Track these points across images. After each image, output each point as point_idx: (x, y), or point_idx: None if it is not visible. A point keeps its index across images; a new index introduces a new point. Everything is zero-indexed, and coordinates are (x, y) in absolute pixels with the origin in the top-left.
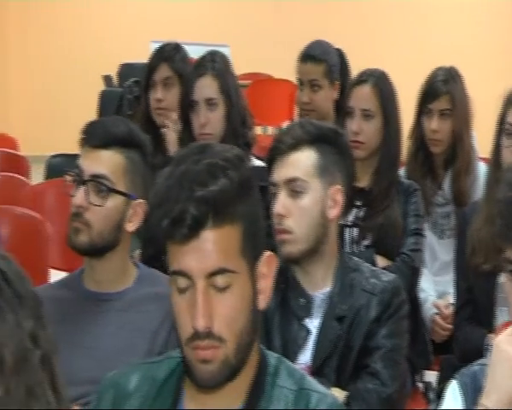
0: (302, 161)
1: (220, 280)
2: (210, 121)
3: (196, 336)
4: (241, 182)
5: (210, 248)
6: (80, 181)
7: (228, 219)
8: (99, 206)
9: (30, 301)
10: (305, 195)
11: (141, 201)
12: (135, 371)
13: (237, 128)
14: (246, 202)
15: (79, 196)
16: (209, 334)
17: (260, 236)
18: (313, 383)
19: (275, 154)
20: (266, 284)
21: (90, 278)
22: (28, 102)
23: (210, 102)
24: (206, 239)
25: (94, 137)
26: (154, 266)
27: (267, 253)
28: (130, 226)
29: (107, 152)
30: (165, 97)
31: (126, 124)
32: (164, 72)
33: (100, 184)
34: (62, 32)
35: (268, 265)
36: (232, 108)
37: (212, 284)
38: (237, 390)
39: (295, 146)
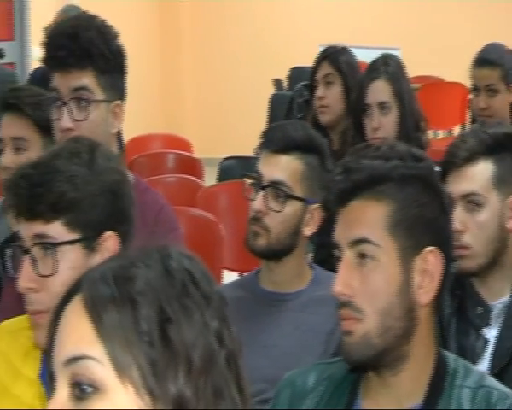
0: (478, 175)
1: (363, 249)
2: (383, 125)
3: (339, 305)
4: (406, 173)
5: (354, 217)
6: (259, 186)
7: (375, 195)
8: (277, 211)
9: (216, 301)
10: (483, 209)
11: (318, 205)
12: (312, 371)
13: (410, 132)
14: (405, 190)
15: (258, 202)
16: (348, 303)
17: (422, 229)
18: (493, 381)
19: (449, 167)
20: (428, 281)
21: (266, 278)
22: (201, 106)
23: (383, 106)
24: (352, 209)
25: (273, 142)
26: (326, 269)
27: (429, 249)
28: (308, 230)
29: (286, 157)
30: (325, 95)
31: (305, 128)
32: (324, 69)
33: (278, 190)
34: (233, 36)
35: (430, 263)
36: (405, 112)
37: (357, 255)
38: (414, 390)
39: (470, 159)
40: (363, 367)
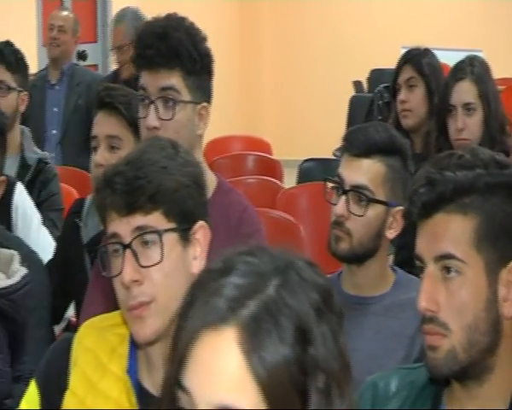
0: None
1: (448, 264)
2: (467, 126)
3: (423, 320)
4: (490, 182)
5: (439, 231)
6: (341, 190)
7: (459, 208)
8: (360, 216)
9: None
10: None
11: (400, 208)
12: (394, 375)
13: (495, 134)
14: (490, 201)
15: (340, 206)
16: (434, 319)
17: (507, 239)
18: None
19: None
20: None
21: (349, 282)
22: (281, 107)
23: (468, 107)
24: (436, 222)
25: (355, 145)
26: (406, 271)
27: None
28: (391, 233)
29: (367, 161)
30: (408, 99)
31: (387, 130)
32: (407, 73)
33: (360, 195)
34: (313, 38)
35: None
36: (490, 114)
37: (441, 269)
38: (499, 400)
39: None
40: (448, 380)
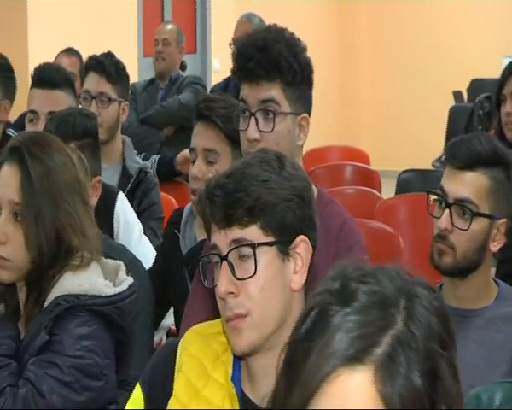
0: None
1: None
2: None
3: None
4: None
5: None
6: (444, 204)
7: None
8: (464, 230)
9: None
10: None
11: (504, 220)
12: (498, 389)
13: None
14: None
15: (444, 220)
16: None
17: None
18: None
19: None
20: None
21: (451, 294)
22: (378, 118)
23: None
24: None
25: (458, 157)
26: (510, 284)
27: None
28: (495, 246)
29: (471, 174)
30: None
31: (490, 142)
32: None
33: (464, 208)
34: (412, 48)
35: None
36: None
37: None
38: None
39: None
40: None
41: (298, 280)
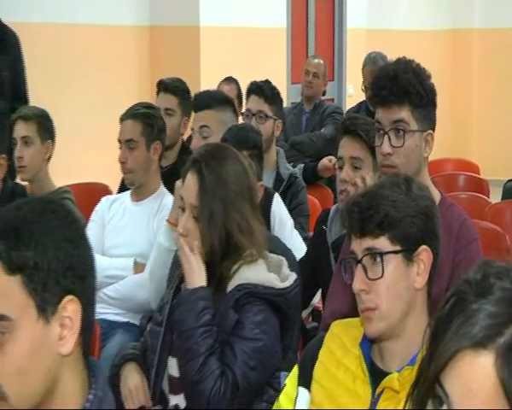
0: None
1: None
2: None
3: None
4: None
5: None
6: None
7: None
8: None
9: None
10: None
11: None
12: None
13: None
14: None
15: None
16: None
17: None
18: None
19: None
20: None
21: None
22: (488, 132)
23: None
24: None
25: None
26: None
27: None
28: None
29: None
30: None
31: None
32: None
33: None
34: None
35: None
36: None
37: None
38: None
39: None
40: None
41: (420, 281)
